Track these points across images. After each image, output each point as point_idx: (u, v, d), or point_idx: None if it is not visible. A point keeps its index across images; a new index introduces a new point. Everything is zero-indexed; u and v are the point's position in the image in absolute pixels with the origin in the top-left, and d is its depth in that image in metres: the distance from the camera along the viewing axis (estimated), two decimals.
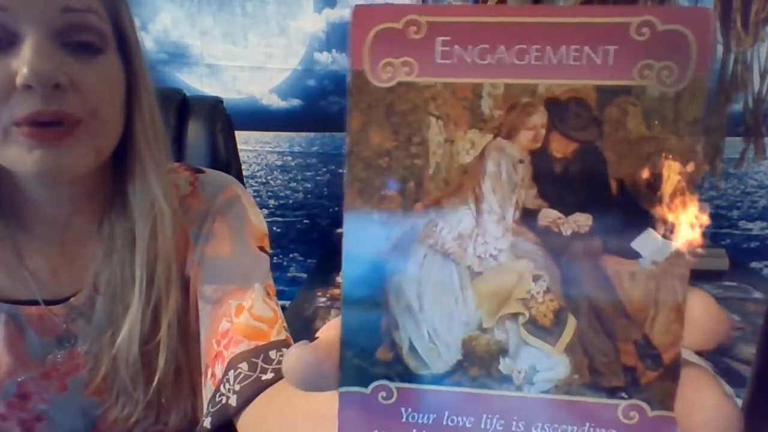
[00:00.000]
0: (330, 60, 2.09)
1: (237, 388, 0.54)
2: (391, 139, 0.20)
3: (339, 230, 0.21)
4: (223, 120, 1.04)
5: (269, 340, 0.58)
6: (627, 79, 0.19)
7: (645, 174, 0.19)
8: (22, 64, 0.49)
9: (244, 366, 0.55)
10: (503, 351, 0.20)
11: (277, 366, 0.55)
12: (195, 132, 1.00)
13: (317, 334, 0.22)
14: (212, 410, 0.55)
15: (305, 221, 2.21)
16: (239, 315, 0.59)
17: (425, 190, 0.20)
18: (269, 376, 0.54)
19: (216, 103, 1.06)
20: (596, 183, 0.19)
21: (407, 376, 0.21)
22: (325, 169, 2.19)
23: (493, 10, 0.19)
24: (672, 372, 0.19)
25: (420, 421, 0.21)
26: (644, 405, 0.20)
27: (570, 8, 0.19)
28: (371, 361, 0.21)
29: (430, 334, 0.20)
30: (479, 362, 0.20)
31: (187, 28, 2.08)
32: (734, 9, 1.58)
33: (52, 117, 0.51)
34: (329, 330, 0.22)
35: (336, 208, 2.16)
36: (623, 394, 0.20)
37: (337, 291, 1.45)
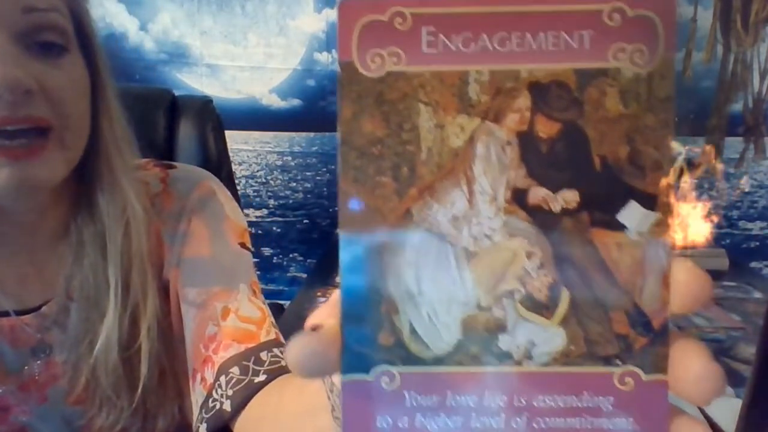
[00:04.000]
0: (330, 60, 2.10)
1: (230, 393, 0.54)
2: (383, 127, 0.21)
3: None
4: (214, 120, 1.04)
5: (259, 341, 0.57)
6: (603, 61, 0.20)
7: (625, 150, 0.20)
8: None
9: (235, 370, 0.54)
10: (502, 328, 0.21)
11: (268, 367, 0.55)
12: (185, 132, 1.00)
13: (311, 320, 0.22)
14: (206, 416, 0.55)
15: (305, 221, 2.21)
16: (226, 318, 0.58)
17: (418, 174, 0.21)
18: (261, 378, 0.54)
19: (206, 102, 1.06)
20: (581, 160, 0.20)
21: (409, 359, 0.21)
22: (325, 169, 2.20)
23: (475, 1, 0.20)
24: (662, 337, 0.20)
25: (424, 403, 0.21)
26: (638, 370, 0.21)
27: None
28: (373, 346, 0.21)
29: (430, 316, 0.21)
30: (479, 341, 0.21)
31: (187, 28, 2.09)
32: (734, 9, 1.60)
33: (22, 122, 0.49)
34: (323, 314, 0.22)
35: (336, 208, 2.17)
36: (617, 362, 0.21)
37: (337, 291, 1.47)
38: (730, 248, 1.68)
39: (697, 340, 0.20)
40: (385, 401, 0.21)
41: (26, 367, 0.60)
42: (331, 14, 2.07)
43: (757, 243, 1.93)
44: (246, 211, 2.15)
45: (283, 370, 0.55)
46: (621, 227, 0.20)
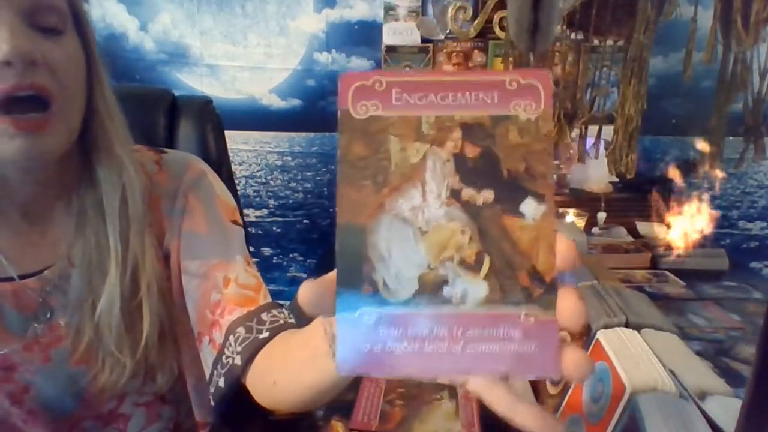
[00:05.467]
0: (330, 60, 2.19)
1: (239, 349, 0.65)
2: (366, 150, 0.34)
3: None
4: (213, 120, 1.12)
5: (258, 304, 0.69)
6: (506, 111, 0.33)
7: (522, 166, 0.33)
8: (1, 42, 0.55)
9: (241, 330, 0.66)
10: (445, 282, 0.33)
11: (270, 326, 0.67)
12: (185, 132, 1.07)
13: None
14: (222, 371, 0.67)
15: (305, 221, 2.31)
16: (227, 286, 0.70)
17: (389, 180, 0.33)
18: (265, 334, 0.65)
19: (205, 103, 1.13)
20: (495, 172, 0.33)
21: (382, 303, 0.33)
22: (324, 169, 2.30)
23: (427, 74, 0.33)
24: (552, 287, 0.32)
25: (392, 334, 0.33)
26: (537, 311, 0.32)
27: (469, 72, 0.33)
28: (358, 294, 0.33)
29: (397, 274, 0.33)
30: (430, 291, 0.33)
31: (187, 28, 2.19)
32: (734, 9, 1.66)
33: (28, 89, 0.57)
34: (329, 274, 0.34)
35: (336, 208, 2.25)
36: (523, 305, 0.32)
37: None
38: (730, 248, 1.76)
39: (573, 288, 0.32)
40: (366, 332, 0.33)
41: (30, 330, 0.67)
42: (331, 14, 2.17)
43: (757, 243, 2.01)
44: (246, 211, 2.22)
45: (282, 328, 0.67)
46: (522, 215, 0.33)
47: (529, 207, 0.32)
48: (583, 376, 0.32)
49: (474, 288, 0.33)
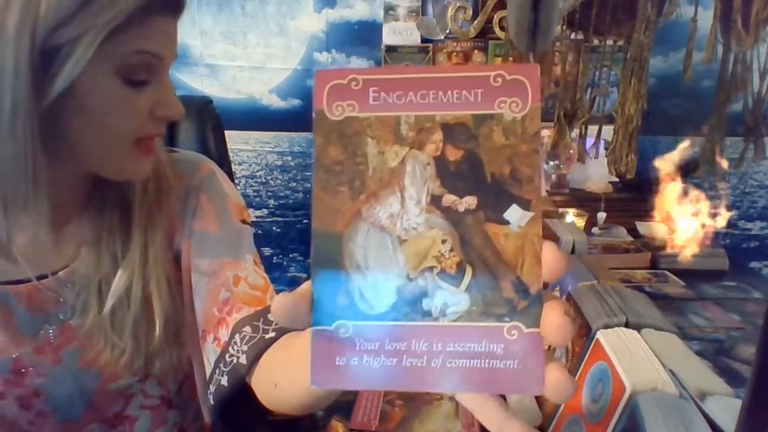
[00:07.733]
0: (330, 60, 2.19)
1: (245, 348, 0.64)
2: (342, 153, 0.31)
3: None
4: (214, 120, 1.12)
5: (266, 304, 0.68)
6: (491, 109, 0.30)
7: (508, 168, 0.30)
8: (171, 100, 0.63)
9: (248, 329, 0.65)
10: (424, 293, 0.31)
11: (276, 326, 0.65)
12: (186, 132, 1.08)
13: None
14: (225, 369, 0.65)
15: (305, 221, 2.30)
16: (237, 285, 0.69)
17: (366, 185, 0.31)
18: (271, 334, 0.64)
19: (206, 103, 1.14)
20: (477, 176, 0.30)
21: (359, 315, 0.31)
22: None
23: (404, 71, 0.30)
24: (537, 300, 0.30)
25: (369, 347, 0.31)
26: (521, 325, 0.30)
27: (451, 67, 0.31)
28: (334, 305, 0.31)
29: (374, 285, 0.31)
30: (408, 302, 0.31)
31: (187, 28, 2.18)
32: (734, 9, 1.65)
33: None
34: (304, 285, 0.32)
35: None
36: (506, 318, 0.30)
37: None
38: (730, 248, 1.74)
39: (558, 300, 0.30)
40: (342, 345, 0.31)
41: (41, 331, 0.67)
42: (331, 14, 2.16)
43: (757, 243, 1.99)
44: None
45: (288, 329, 0.65)
46: (506, 222, 0.30)
47: (515, 213, 0.30)
48: (563, 398, 0.30)
49: (455, 300, 0.30)
